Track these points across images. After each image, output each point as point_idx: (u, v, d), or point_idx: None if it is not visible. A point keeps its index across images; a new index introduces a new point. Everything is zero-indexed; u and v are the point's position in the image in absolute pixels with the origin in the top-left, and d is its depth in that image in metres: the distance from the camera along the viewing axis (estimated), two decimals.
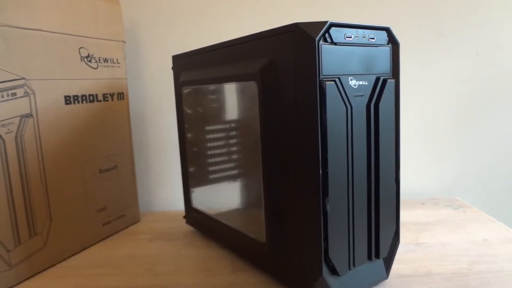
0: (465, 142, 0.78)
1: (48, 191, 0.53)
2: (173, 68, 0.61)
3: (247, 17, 0.75)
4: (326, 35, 0.36)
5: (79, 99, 0.57)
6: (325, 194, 0.37)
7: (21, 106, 0.49)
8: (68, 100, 0.56)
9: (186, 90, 0.58)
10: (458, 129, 0.78)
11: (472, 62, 0.76)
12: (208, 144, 0.54)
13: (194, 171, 0.59)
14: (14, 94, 0.48)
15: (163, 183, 0.79)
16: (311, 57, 0.36)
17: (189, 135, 0.59)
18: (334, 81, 0.37)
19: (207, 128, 0.54)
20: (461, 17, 0.75)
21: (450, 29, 0.75)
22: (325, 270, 0.39)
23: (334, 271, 0.39)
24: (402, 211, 0.67)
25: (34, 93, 0.51)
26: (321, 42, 0.36)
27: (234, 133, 0.49)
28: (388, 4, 0.74)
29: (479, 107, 0.77)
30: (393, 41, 0.42)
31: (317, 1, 0.74)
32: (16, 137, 0.49)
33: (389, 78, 0.41)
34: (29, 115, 0.50)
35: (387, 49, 0.41)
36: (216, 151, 0.53)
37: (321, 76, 0.36)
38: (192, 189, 0.60)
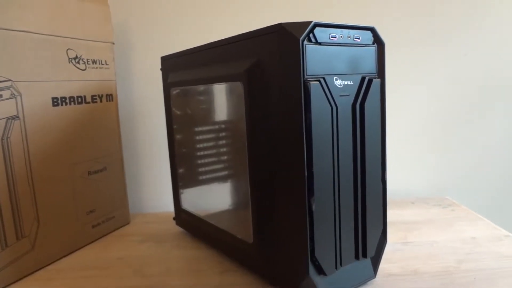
0: (456, 142, 0.79)
1: (36, 194, 0.52)
2: (161, 69, 0.61)
3: (236, 18, 0.75)
4: (311, 35, 0.36)
5: (67, 100, 0.57)
6: (311, 194, 0.37)
7: (7, 108, 0.49)
8: (55, 102, 0.55)
9: (174, 91, 0.57)
10: (449, 129, 0.78)
11: (461, 62, 0.76)
12: (197, 145, 0.54)
13: (183, 173, 0.59)
14: (0, 96, 0.48)
15: (153, 185, 0.79)
16: (296, 57, 0.36)
17: (178, 136, 0.59)
18: (319, 81, 0.37)
19: (196, 129, 0.54)
20: (450, 17, 0.75)
21: (439, 30, 0.75)
22: (311, 270, 0.39)
23: (320, 271, 0.39)
24: (391, 211, 0.68)
25: (21, 95, 0.50)
26: (305, 42, 0.36)
27: (222, 134, 0.49)
28: (379, 4, 0.74)
29: (468, 107, 0.78)
30: (378, 41, 0.42)
31: (307, 1, 0.75)
32: (2, 139, 0.48)
33: (375, 78, 0.41)
34: (16, 117, 0.50)
35: (373, 49, 0.42)
36: (205, 152, 0.53)
37: (305, 76, 0.36)
38: (181, 191, 0.60)
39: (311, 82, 0.36)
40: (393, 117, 0.76)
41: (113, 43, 0.66)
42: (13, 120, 0.50)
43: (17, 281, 0.50)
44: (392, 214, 0.66)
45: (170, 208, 0.67)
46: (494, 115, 0.78)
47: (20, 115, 0.51)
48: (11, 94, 0.49)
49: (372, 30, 0.41)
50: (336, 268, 0.40)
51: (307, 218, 0.37)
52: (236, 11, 0.75)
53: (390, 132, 0.74)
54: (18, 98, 0.50)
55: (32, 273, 0.52)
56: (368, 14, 0.75)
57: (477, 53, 0.76)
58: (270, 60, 0.39)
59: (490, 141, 0.79)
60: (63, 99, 0.57)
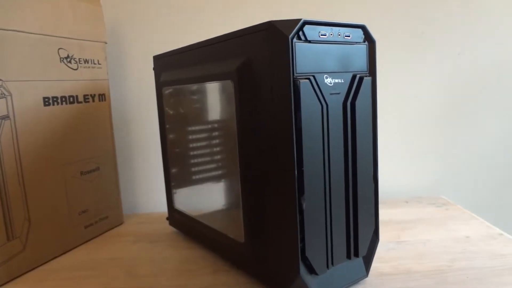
0: (450, 141, 0.79)
1: (27, 194, 0.52)
2: (154, 68, 0.61)
3: (229, 16, 0.74)
4: (300, 33, 0.36)
5: (59, 100, 0.57)
6: (301, 193, 0.37)
7: None
8: (47, 101, 0.55)
9: (167, 91, 0.57)
10: (444, 128, 0.78)
11: (454, 61, 0.76)
12: (189, 145, 0.54)
13: (176, 172, 0.59)
14: None
15: (146, 185, 0.79)
16: (285, 55, 0.36)
17: (170, 136, 0.58)
18: (309, 79, 0.37)
19: (188, 128, 0.54)
20: (443, 16, 0.75)
21: (432, 28, 0.75)
22: (302, 269, 0.38)
23: (312, 270, 0.39)
24: (385, 210, 0.68)
25: (11, 95, 0.50)
26: (294, 40, 0.36)
27: (214, 133, 0.49)
28: (372, 2, 0.74)
29: (462, 106, 0.78)
30: (369, 39, 0.42)
31: (301, 0, 0.74)
32: None
33: (366, 76, 0.41)
34: (6, 117, 0.50)
35: (363, 47, 0.41)
36: (197, 152, 0.53)
37: (295, 74, 0.36)
38: (174, 191, 0.60)
39: (301, 80, 0.36)
40: (387, 116, 0.76)
41: (106, 43, 0.65)
42: (3, 120, 0.49)
43: (8, 282, 0.50)
44: (385, 213, 0.66)
45: (164, 208, 0.67)
46: (488, 114, 0.78)
47: (11, 115, 0.50)
48: (1, 94, 0.49)
49: (362, 28, 0.41)
50: (327, 267, 0.40)
51: (298, 217, 0.37)
52: (230, 10, 0.74)
53: (384, 131, 0.74)
54: (9, 97, 0.50)
55: (24, 274, 0.52)
56: (361, 12, 0.75)
57: (472, 52, 0.76)
58: (260, 58, 0.39)
59: (485, 140, 0.79)
60: (55, 99, 0.56)
